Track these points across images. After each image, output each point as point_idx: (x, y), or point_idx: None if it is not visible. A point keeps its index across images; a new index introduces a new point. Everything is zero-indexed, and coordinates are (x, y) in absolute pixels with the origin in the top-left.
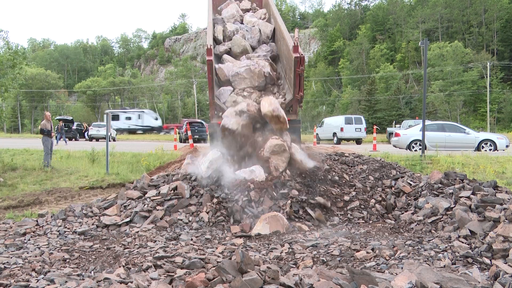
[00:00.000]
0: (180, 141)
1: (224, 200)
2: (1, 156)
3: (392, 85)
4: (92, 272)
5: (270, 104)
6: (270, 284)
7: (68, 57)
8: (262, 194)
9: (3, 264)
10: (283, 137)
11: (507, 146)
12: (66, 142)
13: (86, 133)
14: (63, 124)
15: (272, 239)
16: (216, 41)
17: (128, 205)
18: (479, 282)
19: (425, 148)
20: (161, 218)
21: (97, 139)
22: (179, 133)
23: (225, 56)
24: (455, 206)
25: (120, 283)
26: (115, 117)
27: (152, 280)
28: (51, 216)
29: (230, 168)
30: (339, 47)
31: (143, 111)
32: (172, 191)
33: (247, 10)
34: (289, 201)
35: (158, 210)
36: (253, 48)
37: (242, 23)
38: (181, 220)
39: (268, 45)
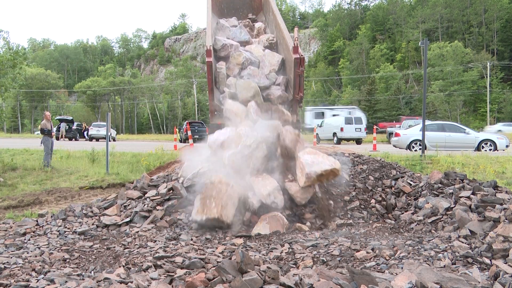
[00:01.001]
0: (180, 141)
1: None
2: (1, 156)
3: (392, 85)
4: (92, 272)
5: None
6: (270, 284)
7: (68, 57)
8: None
9: (3, 264)
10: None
11: (507, 146)
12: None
13: (85, 133)
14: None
15: (272, 239)
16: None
17: (128, 205)
18: (479, 282)
19: (425, 148)
20: (161, 218)
21: (97, 139)
22: (179, 133)
23: (230, 105)
24: (455, 206)
25: (120, 283)
26: (319, 115)
27: (152, 280)
28: (51, 216)
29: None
30: (339, 47)
31: (354, 108)
32: (171, 191)
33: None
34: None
35: (158, 210)
36: (262, 87)
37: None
38: (181, 220)
39: (278, 86)
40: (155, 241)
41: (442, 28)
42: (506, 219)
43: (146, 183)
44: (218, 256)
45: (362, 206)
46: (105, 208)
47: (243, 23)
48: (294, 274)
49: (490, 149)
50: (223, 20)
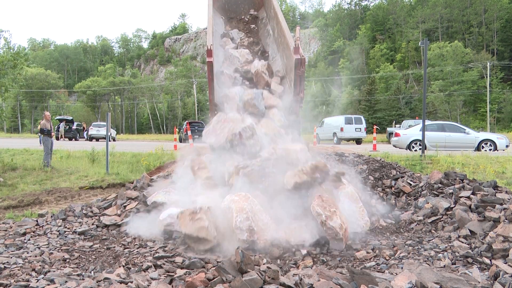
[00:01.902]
0: (180, 141)
1: None
2: (1, 156)
3: (392, 85)
4: (92, 272)
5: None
6: (270, 284)
7: (68, 57)
8: None
9: (3, 264)
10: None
11: (507, 146)
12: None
13: (85, 133)
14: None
15: None
16: None
17: (128, 205)
18: (479, 282)
19: (425, 148)
20: None
21: (97, 139)
22: (179, 133)
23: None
24: (455, 206)
25: (120, 283)
26: None
27: (152, 280)
28: (51, 216)
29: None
30: (339, 47)
31: None
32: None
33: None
34: None
35: None
36: None
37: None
38: None
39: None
40: (155, 241)
41: (442, 28)
42: (506, 219)
43: (146, 183)
44: (218, 256)
45: None
46: (105, 208)
47: (247, 41)
48: (294, 274)
49: (490, 149)
50: (231, 49)
